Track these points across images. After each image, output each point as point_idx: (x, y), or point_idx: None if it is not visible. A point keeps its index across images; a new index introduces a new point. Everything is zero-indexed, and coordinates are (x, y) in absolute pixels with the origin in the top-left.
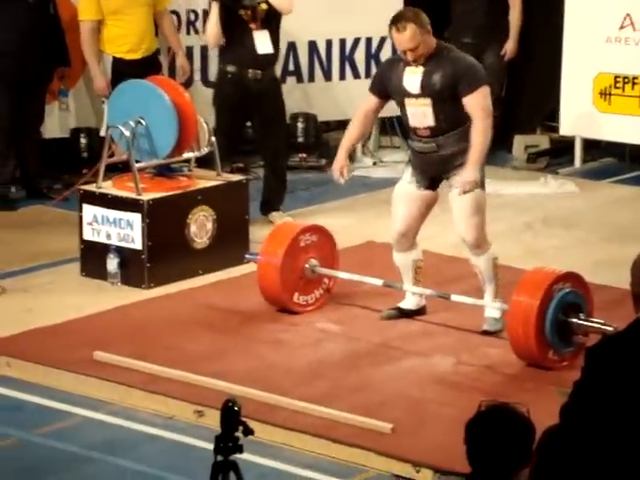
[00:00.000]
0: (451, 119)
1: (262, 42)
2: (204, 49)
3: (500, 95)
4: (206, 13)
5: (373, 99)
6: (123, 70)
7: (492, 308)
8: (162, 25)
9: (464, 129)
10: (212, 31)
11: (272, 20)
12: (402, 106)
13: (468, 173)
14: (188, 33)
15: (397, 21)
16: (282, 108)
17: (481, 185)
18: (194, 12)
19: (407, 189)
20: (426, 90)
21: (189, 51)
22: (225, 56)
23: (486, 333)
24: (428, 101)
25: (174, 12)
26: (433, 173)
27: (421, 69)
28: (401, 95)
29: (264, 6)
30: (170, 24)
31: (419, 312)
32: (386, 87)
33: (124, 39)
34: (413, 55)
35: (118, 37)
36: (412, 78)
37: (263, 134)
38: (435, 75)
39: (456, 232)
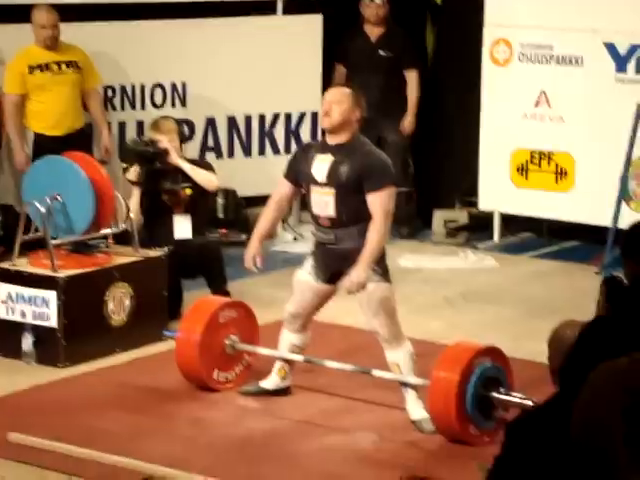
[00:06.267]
0: (352, 213)
1: (181, 227)
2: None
3: (407, 171)
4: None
5: (287, 185)
6: (45, 146)
7: (418, 407)
8: (89, 104)
9: (364, 226)
10: (134, 213)
11: (197, 204)
12: (308, 192)
13: (357, 273)
14: (123, 109)
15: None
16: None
17: (386, 278)
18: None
19: (305, 278)
20: (331, 180)
21: (122, 127)
22: (146, 237)
23: (421, 431)
24: (332, 191)
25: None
26: (333, 268)
27: (331, 158)
28: (307, 181)
29: (188, 191)
30: (97, 103)
31: (279, 393)
32: (298, 174)
33: (46, 115)
34: (328, 114)
35: (41, 113)
36: (320, 166)
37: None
38: (343, 166)
39: (369, 326)
